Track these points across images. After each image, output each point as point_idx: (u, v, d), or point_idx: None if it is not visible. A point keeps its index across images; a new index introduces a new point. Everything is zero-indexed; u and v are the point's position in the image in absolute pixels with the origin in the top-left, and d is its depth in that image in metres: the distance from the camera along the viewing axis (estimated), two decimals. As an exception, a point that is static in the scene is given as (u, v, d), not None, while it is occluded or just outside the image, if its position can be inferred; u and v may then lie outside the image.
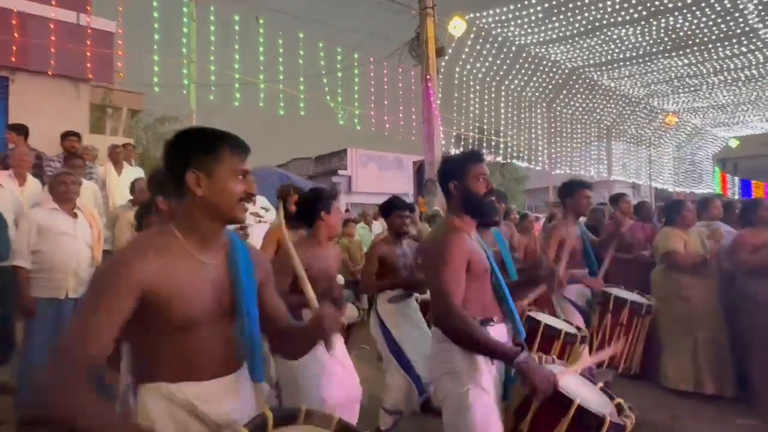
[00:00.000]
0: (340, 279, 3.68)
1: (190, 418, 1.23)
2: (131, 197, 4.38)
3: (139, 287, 1.16)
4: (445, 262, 1.83)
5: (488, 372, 1.85)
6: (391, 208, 3.41)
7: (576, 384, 1.82)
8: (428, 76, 9.13)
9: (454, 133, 11.52)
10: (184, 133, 1.32)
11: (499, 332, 1.95)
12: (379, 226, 7.99)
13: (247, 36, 8.13)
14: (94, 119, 12.24)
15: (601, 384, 1.90)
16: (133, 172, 5.98)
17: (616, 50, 10.98)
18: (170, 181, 1.30)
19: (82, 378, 1.09)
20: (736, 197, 17.27)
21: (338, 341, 2.61)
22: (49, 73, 7.05)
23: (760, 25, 9.30)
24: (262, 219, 4.80)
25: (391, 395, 3.22)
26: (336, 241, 3.23)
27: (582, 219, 4.02)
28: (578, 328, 2.82)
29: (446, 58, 9.70)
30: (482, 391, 1.82)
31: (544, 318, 2.80)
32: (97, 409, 1.09)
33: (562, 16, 9.39)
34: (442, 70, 9.74)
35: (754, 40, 9.96)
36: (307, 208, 2.66)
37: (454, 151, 11.67)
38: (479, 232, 2.84)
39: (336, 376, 2.44)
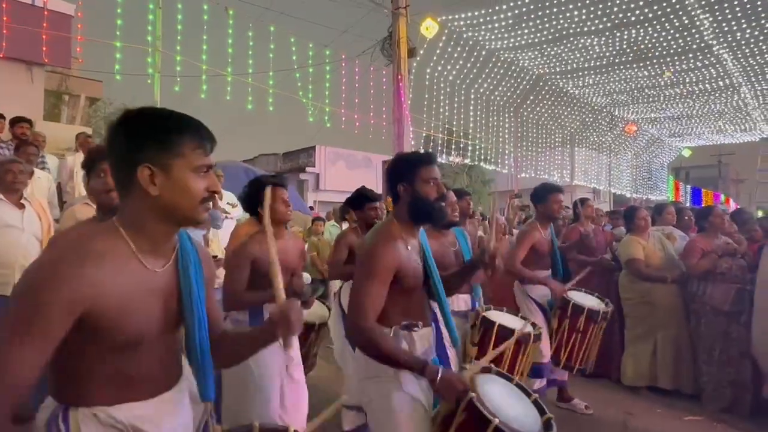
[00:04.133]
0: (307, 278, 3.63)
1: None
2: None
3: (78, 306, 0.99)
4: (370, 275, 1.76)
5: (413, 376, 1.76)
6: (364, 200, 3.41)
7: (504, 398, 1.73)
8: (399, 76, 9.15)
9: (424, 134, 11.61)
10: (136, 115, 1.11)
11: (422, 336, 1.90)
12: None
13: (216, 27, 7.92)
14: (49, 106, 11.65)
15: (535, 396, 1.85)
16: (102, 163, 5.71)
17: (581, 59, 11.33)
18: (115, 171, 1.11)
19: (4, 413, 0.95)
20: (688, 204, 18.17)
21: (294, 348, 2.47)
22: (1, 55, 6.65)
23: (714, 42, 9.80)
24: (228, 215, 4.68)
25: (349, 388, 3.12)
26: (304, 239, 3.20)
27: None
28: (533, 325, 2.84)
29: (418, 59, 9.75)
30: (405, 395, 1.76)
31: (499, 318, 2.81)
32: None
33: (531, 24, 9.61)
34: (413, 70, 9.79)
35: (708, 55, 10.49)
36: (247, 204, 2.64)
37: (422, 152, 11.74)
38: (440, 232, 2.84)
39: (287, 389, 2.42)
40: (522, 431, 1.60)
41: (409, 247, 1.88)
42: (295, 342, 2.13)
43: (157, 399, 1.15)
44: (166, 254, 1.17)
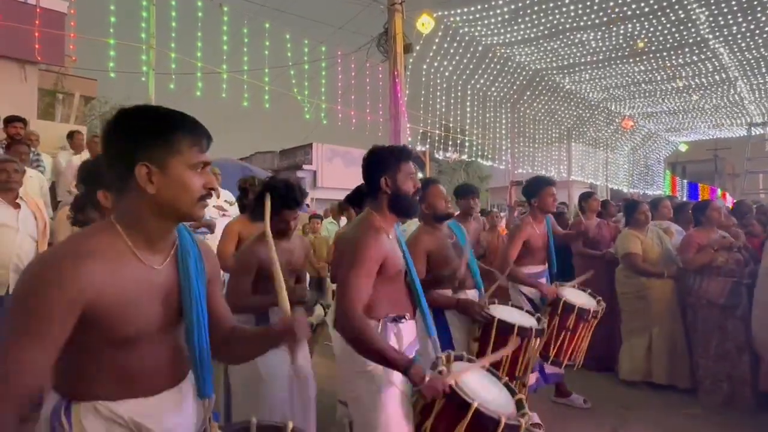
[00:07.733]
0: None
1: None
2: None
3: (80, 303, 0.99)
4: (358, 265, 1.77)
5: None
6: (363, 196, 3.40)
7: (478, 383, 1.83)
8: (396, 73, 9.11)
9: (421, 131, 11.59)
10: (132, 114, 1.09)
11: (409, 328, 1.99)
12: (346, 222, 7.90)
13: (211, 23, 7.86)
14: (44, 105, 11.59)
15: (505, 380, 1.97)
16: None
17: (578, 54, 11.30)
18: (111, 169, 1.10)
19: (14, 414, 0.95)
20: (684, 199, 18.21)
21: (304, 347, 2.58)
22: (-7, 53, 6.60)
23: (710, 36, 9.79)
24: (226, 213, 4.69)
25: (342, 383, 3.18)
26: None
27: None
28: (538, 319, 2.82)
29: (414, 55, 9.72)
30: (395, 389, 1.82)
31: (500, 312, 2.72)
32: None
33: (527, 18, 9.58)
34: (409, 66, 9.76)
35: (704, 50, 10.49)
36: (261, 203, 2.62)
37: (420, 149, 11.75)
38: (434, 227, 2.80)
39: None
40: (500, 412, 1.68)
41: (390, 237, 1.93)
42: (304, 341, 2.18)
43: (159, 396, 1.15)
44: (164, 250, 1.17)
